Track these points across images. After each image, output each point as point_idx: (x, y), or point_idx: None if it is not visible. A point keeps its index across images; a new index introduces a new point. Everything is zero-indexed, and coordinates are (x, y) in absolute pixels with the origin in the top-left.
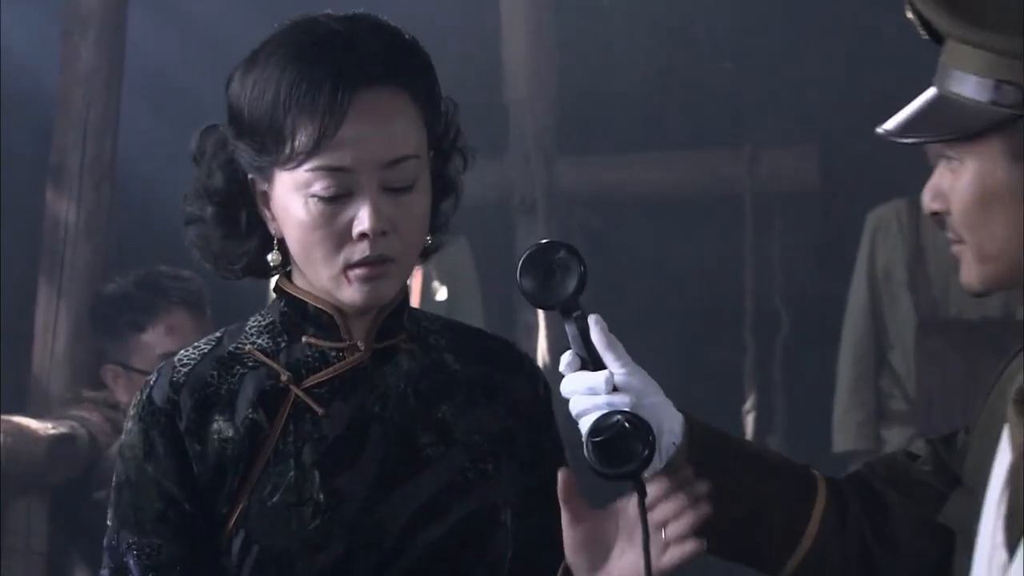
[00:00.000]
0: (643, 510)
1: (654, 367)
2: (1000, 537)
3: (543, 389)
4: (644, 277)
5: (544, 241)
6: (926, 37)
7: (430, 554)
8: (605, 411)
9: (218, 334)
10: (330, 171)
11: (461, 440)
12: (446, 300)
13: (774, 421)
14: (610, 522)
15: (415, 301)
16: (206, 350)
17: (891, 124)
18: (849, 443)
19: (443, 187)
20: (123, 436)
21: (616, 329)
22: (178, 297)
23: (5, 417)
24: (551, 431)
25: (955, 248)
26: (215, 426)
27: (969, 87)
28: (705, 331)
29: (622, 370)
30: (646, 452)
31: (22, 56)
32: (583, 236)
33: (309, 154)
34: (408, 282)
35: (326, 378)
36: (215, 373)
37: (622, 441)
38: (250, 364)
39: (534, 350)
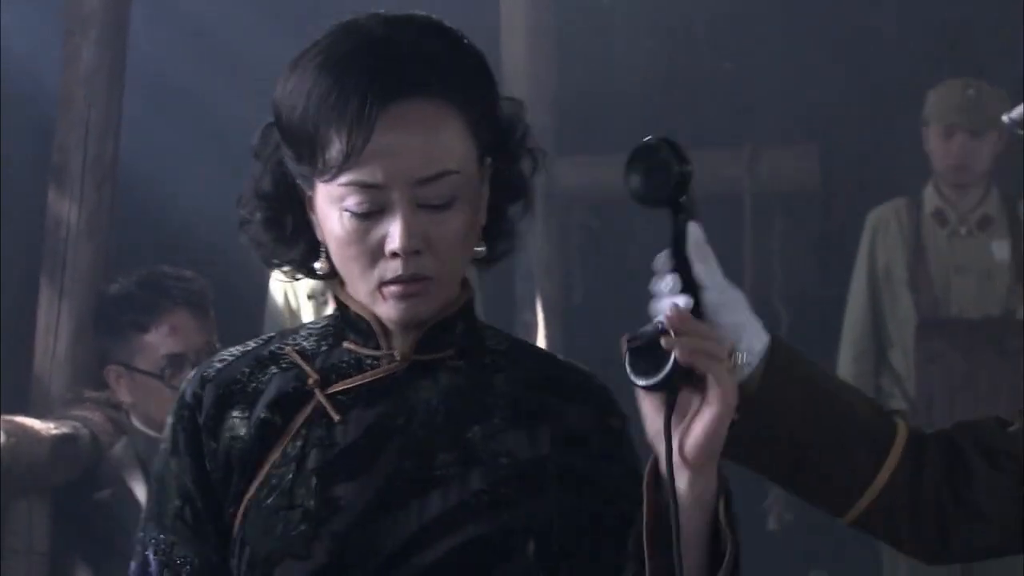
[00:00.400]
0: (668, 425)
1: None
2: None
3: (614, 420)
4: (644, 277)
5: (649, 139)
6: None
7: None
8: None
9: (272, 334)
10: (361, 187)
11: (485, 462)
12: None
13: None
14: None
15: None
16: (250, 348)
17: (1015, 113)
18: None
19: (509, 191)
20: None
21: (617, 328)
22: (181, 297)
23: (7, 417)
24: (614, 464)
25: None
26: (229, 423)
27: None
28: None
29: (706, 282)
30: (672, 361)
31: (22, 56)
32: (583, 236)
33: (340, 168)
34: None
35: (352, 385)
36: (247, 370)
37: (657, 349)
38: (284, 365)
39: None
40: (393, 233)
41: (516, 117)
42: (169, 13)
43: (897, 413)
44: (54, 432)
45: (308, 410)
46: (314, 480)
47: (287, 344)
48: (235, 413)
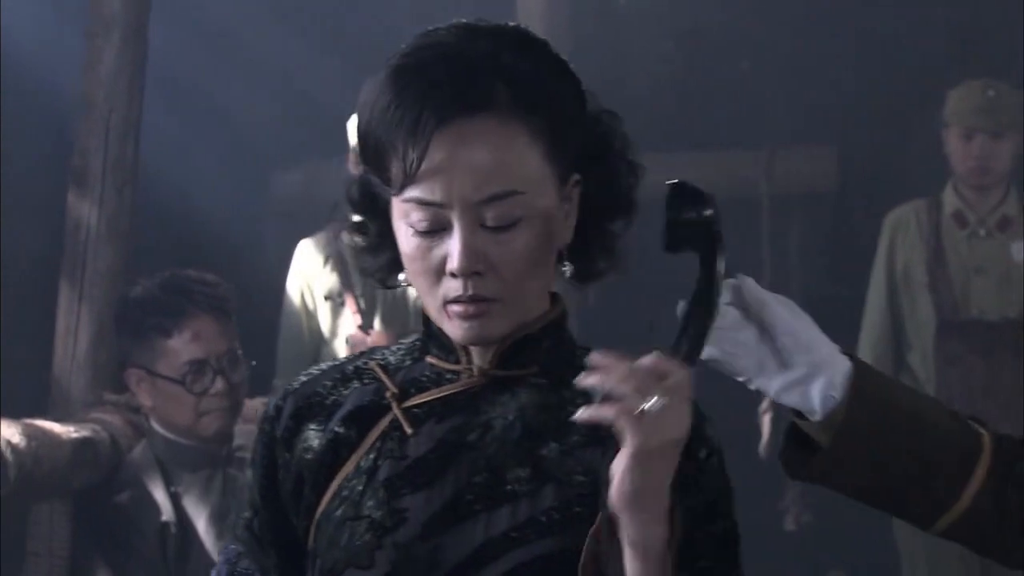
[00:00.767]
0: (606, 468)
1: None
2: None
3: (702, 450)
4: (659, 277)
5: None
6: None
7: None
8: None
9: (365, 350)
10: (421, 204)
11: (560, 479)
12: None
13: None
14: None
15: None
16: (338, 362)
17: None
18: None
19: (606, 208)
20: None
21: (630, 331)
22: (205, 303)
23: (28, 421)
24: (700, 493)
25: None
26: (304, 435)
27: None
28: None
29: (777, 325)
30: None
31: (34, 55)
32: None
33: (403, 184)
34: (561, 308)
35: (429, 399)
36: (329, 383)
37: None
38: (366, 380)
39: None
40: (452, 253)
41: (611, 130)
42: (190, 16)
43: (977, 421)
44: (74, 435)
45: (384, 423)
46: (382, 491)
47: (373, 359)
48: (312, 426)
